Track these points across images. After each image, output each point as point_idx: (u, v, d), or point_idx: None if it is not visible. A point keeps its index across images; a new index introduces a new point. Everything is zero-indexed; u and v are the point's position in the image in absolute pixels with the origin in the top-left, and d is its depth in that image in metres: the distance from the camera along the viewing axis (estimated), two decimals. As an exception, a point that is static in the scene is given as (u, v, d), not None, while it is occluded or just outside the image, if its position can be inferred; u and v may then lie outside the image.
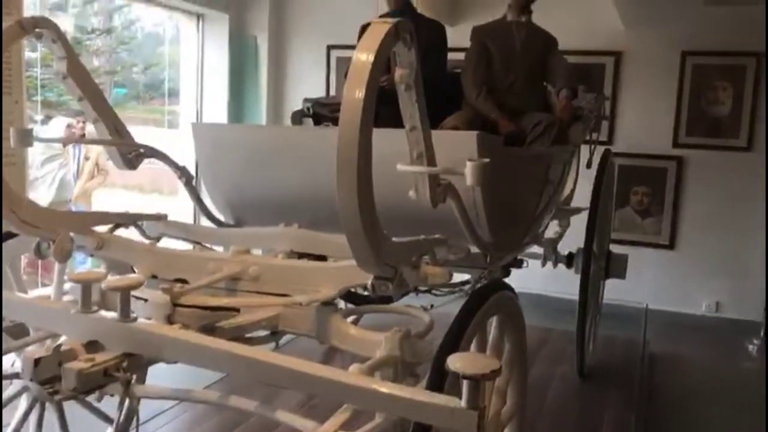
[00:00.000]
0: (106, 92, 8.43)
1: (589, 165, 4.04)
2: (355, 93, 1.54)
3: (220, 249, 2.73)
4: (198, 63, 6.93)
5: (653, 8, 5.12)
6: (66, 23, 8.51)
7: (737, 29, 5.72)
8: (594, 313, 4.31)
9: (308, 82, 6.84)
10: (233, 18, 6.85)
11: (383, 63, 1.62)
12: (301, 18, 7.03)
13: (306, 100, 4.08)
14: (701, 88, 5.94)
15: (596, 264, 4.16)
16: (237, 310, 1.90)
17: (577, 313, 3.75)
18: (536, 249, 4.21)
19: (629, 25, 5.92)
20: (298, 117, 4.02)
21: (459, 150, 2.41)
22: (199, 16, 6.86)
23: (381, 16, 4.11)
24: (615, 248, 6.04)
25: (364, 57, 1.58)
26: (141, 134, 2.62)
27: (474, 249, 2.54)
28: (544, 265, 4.32)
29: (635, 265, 6.11)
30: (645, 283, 6.15)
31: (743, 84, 5.84)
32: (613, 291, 5.58)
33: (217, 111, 6.83)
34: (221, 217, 2.98)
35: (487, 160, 1.86)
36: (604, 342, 5.04)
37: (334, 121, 3.83)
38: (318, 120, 4.00)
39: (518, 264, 3.51)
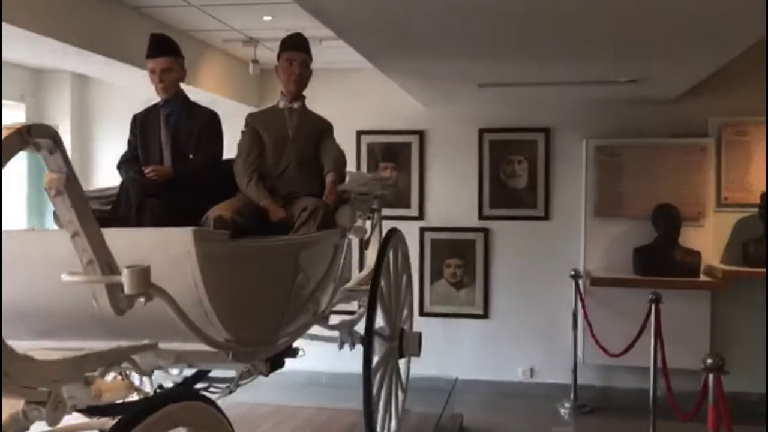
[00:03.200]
0: None
1: (366, 246, 4.06)
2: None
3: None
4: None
5: (441, 91, 5.36)
6: None
7: (526, 107, 6.12)
8: (391, 393, 4.25)
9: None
10: (31, 107, 6.53)
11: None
12: (102, 104, 6.81)
13: (72, 193, 3.84)
14: (499, 163, 6.25)
15: (388, 343, 4.13)
16: None
17: (363, 398, 3.67)
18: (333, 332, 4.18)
19: (428, 105, 6.18)
20: (63, 212, 3.77)
21: (176, 247, 2.30)
22: (-8, 105, 6.48)
23: (151, 106, 4.02)
24: (431, 322, 6.18)
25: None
26: None
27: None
28: (341, 347, 4.24)
29: (453, 338, 6.25)
30: (463, 354, 6.25)
31: (536, 157, 6.21)
32: (431, 365, 5.63)
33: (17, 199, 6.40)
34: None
35: (147, 265, 1.75)
36: (417, 419, 4.99)
37: (112, 216, 3.63)
38: (88, 214, 3.78)
39: (292, 353, 3.40)
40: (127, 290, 1.71)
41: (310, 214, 3.40)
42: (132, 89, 6.54)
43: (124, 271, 1.70)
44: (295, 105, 3.86)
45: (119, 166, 4.01)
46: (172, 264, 2.31)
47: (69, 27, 4.23)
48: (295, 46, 3.82)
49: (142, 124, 3.97)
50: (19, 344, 2.65)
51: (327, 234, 3.36)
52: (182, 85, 5.26)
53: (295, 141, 3.79)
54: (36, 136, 1.58)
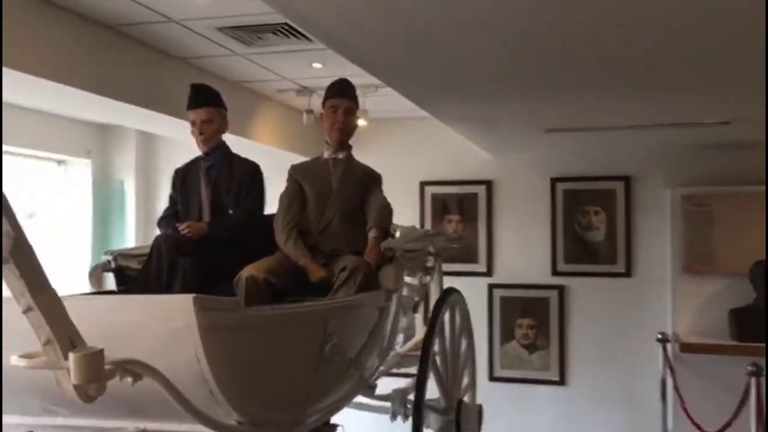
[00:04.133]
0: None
1: (415, 309, 3.68)
2: None
3: None
4: (61, 209, 6.54)
5: (505, 138, 4.99)
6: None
7: (602, 153, 5.66)
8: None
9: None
10: (97, 164, 6.55)
11: None
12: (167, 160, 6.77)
13: (108, 252, 3.67)
14: (574, 214, 5.78)
15: (444, 417, 3.70)
16: None
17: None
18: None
19: (495, 154, 5.81)
20: (97, 272, 3.58)
21: (175, 317, 2.01)
22: (60, 162, 6.55)
23: (193, 159, 3.83)
24: (502, 388, 5.68)
25: None
26: None
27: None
28: (393, 419, 3.84)
29: (526, 406, 5.72)
30: (538, 424, 5.70)
31: (614, 208, 5.70)
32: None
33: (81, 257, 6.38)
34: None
35: (101, 348, 1.45)
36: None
37: (142, 275, 3.42)
38: (123, 274, 3.58)
39: (328, 430, 3.04)
40: (74, 380, 1.41)
41: (350, 275, 3.07)
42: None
43: (70, 357, 1.40)
44: (340, 155, 3.58)
45: (159, 223, 3.82)
46: (172, 336, 2.02)
47: (125, 86, 4.15)
48: (339, 93, 3.56)
49: (183, 179, 3.78)
50: (25, 420, 2.43)
51: (365, 297, 3.00)
52: (238, 138, 5.18)
53: (339, 194, 3.50)
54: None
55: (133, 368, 1.79)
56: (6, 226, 1.42)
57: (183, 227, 3.44)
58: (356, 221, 3.46)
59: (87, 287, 3.78)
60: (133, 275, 3.54)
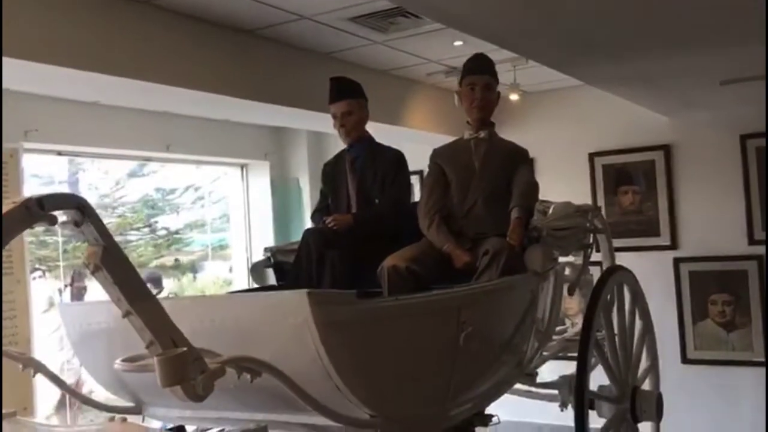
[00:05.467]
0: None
1: (571, 292, 3.41)
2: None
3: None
4: (245, 209, 7.00)
5: (674, 95, 4.50)
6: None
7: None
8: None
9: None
10: (274, 164, 6.92)
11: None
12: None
13: (267, 249, 3.82)
14: (771, 173, 5.09)
15: (617, 406, 3.42)
16: None
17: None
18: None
19: (671, 115, 5.28)
20: (260, 268, 3.75)
21: (293, 314, 2.02)
22: (242, 167, 7.00)
23: (339, 152, 3.87)
24: (697, 371, 5.19)
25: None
26: None
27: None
28: (562, 408, 3.62)
29: (726, 391, 5.17)
30: (741, 411, 5.12)
31: (820, 161, 4.95)
32: (700, 424, 4.70)
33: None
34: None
35: (184, 349, 1.46)
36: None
37: (294, 270, 3.53)
38: (281, 269, 3.72)
39: (481, 421, 2.92)
40: (161, 383, 1.44)
41: (492, 258, 2.93)
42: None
43: (155, 360, 1.43)
44: (482, 134, 3.43)
45: (312, 216, 3.93)
46: (291, 333, 2.03)
47: (288, 91, 4.37)
48: (475, 69, 3.41)
49: (332, 172, 3.84)
50: (170, 413, 2.59)
51: (504, 282, 2.84)
52: (393, 127, 5.19)
53: (482, 175, 3.35)
54: (51, 209, 1.38)
55: (248, 365, 1.82)
56: (96, 236, 1.48)
57: (329, 220, 3.49)
58: (502, 202, 3.29)
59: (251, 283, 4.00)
60: (290, 270, 3.65)
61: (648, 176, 5.48)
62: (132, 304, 1.52)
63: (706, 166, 5.30)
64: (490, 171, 3.35)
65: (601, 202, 5.50)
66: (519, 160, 3.40)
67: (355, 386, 2.10)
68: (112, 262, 1.49)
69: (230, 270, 7.30)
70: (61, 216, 1.42)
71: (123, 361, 1.56)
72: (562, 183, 5.30)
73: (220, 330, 2.10)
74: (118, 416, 2.37)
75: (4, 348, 2.38)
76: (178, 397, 1.60)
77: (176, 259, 7.83)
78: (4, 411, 2.27)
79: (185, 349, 1.48)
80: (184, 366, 1.45)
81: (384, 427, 2.23)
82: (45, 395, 5.00)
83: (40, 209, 1.37)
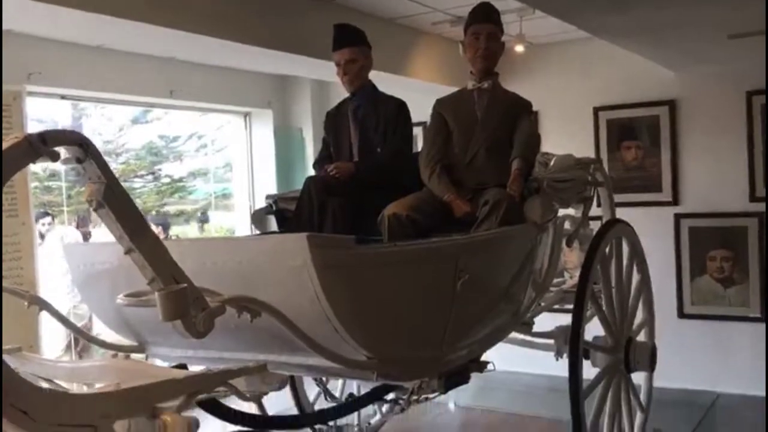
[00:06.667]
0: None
1: (569, 243, 3.44)
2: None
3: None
4: (248, 158, 7.00)
5: (681, 49, 4.45)
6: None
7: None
8: (621, 413, 3.58)
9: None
10: (277, 113, 6.89)
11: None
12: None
13: (269, 196, 3.85)
14: (775, 131, 5.07)
15: (611, 356, 3.49)
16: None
17: (572, 424, 3.11)
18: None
19: (677, 69, 5.23)
20: (261, 216, 3.78)
21: (292, 256, 2.05)
22: (246, 115, 6.97)
23: (342, 101, 3.85)
24: (693, 325, 5.26)
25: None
26: None
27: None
28: (558, 358, 3.69)
29: (720, 345, 5.25)
30: (733, 365, 5.20)
31: (826, 120, 4.92)
32: (690, 376, 4.78)
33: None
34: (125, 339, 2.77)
35: (184, 285, 1.49)
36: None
37: (295, 217, 3.56)
38: (283, 217, 3.74)
39: (477, 368, 2.98)
40: (162, 317, 1.47)
41: (492, 209, 2.95)
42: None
43: (156, 295, 1.47)
44: (485, 84, 3.42)
45: (314, 165, 3.93)
46: (290, 275, 2.07)
47: (293, 38, 4.34)
48: (480, 18, 3.38)
49: (334, 120, 3.84)
50: (174, 353, 2.65)
51: (501, 232, 2.86)
52: (397, 77, 5.15)
53: (484, 125, 3.35)
54: (53, 145, 1.40)
55: (248, 305, 1.86)
56: (98, 174, 1.50)
57: (331, 168, 3.51)
58: (504, 153, 3.30)
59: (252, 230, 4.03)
60: (292, 217, 3.68)
61: (652, 132, 5.46)
62: (134, 240, 1.55)
63: (711, 122, 5.28)
64: (492, 121, 3.35)
65: (604, 157, 5.49)
66: (522, 112, 3.40)
67: (353, 328, 2.15)
68: (113, 199, 1.52)
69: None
70: (63, 153, 1.44)
71: (126, 296, 1.60)
72: (566, 137, 5.29)
73: (222, 272, 2.14)
74: (121, 354, 2.43)
75: (9, 286, 2.43)
76: (179, 333, 1.64)
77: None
78: (8, 346, 2.32)
79: (185, 285, 1.51)
80: (184, 301, 1.49)
81: (380, 369, 2.29)
82: (51, 339, 5.09)
83: (42, 144, 1.38)
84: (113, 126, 8.04)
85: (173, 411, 1.63)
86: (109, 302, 2.59)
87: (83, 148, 1.46)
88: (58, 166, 6.63)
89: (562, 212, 3.50)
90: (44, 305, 2.48)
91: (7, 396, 1.31)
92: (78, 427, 1.46)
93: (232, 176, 7.27)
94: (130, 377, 2.13)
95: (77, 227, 6.96)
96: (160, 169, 8.82)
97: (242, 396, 1.85)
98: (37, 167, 6.07)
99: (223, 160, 7.76)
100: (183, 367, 2.64)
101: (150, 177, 8.58)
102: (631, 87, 5.45)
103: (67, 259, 2.64)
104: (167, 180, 8.76)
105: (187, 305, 1.49)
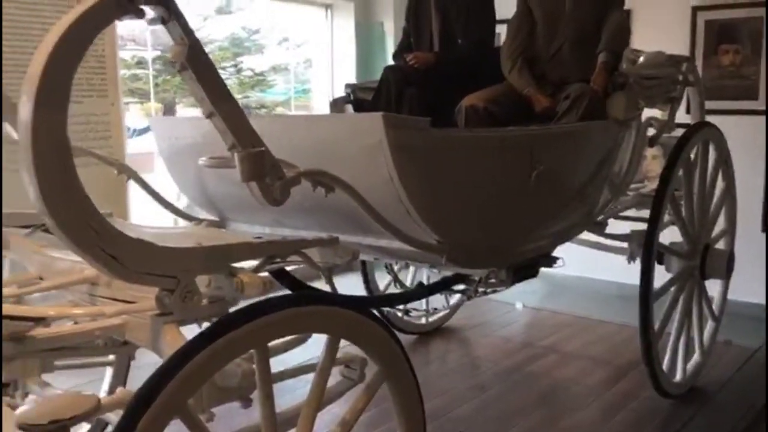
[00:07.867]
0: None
1: (651, 143, 3.31)
2: (35, 66, 1.29)
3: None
4: (330, 52, 6.98)
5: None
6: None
7: None
8: (691, 321, 3.55)
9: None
10: (359, 7, 6.79)
11: (86, 36, 1.35)
12: None
13: (347, 85, 3.85)
14: None
15: (686, 262, 3.42)
16: (40, 319, 1.77)
17: (639, 326, 3.10)
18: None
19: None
20: (339, 104, 3.80)
21: (366, 135, 2.07)
22: (327, 7, 6.90)
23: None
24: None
25: (60, 26, 1.33)
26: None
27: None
28: (630, 261, 3.65)
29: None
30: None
31: None
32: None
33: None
34: (204, 213, 2.90)
35: (262, 149, 1.53)
36: (737, 353, 4.15)
37: (372, 107, 3.57)
38: (360, 106, 3.76)
39: (547, 262, 2.98)
40: (241, 177, 1.53)
41: (573, 103, 2.88)
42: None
43: (235, 156, 1.52)
44: (577, -28, 3.25)
45: (394, 57, 3.90)
46: (365, 154, 2.10)
47: None
48: None
49: (416, 10, 3.77)
50: (253, 229, 2.76)
51: (579, 127, 2.79)
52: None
53: (571, 17, 3.23)
54: (140, 3, 1.43)
55: (323, 179, 1.90)
56: (181, 35, 1.54)
57: (410, 58, 3.47)
58: (590, 48, 3.18)
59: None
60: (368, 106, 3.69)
61: (754, 35, 5.10)
62: (215, 104, 1.59)
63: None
64: (580, 13, 3.22)
65: (698, 63, 5.19)
66: (612, 4, 3.24)
67: (425, 211, 2.18)
68: (196, 61, 1.55)
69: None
70: (149, 12, 1.47)
71: (208, 158, 1.66)
72: (659, 37, 5.00)
73: (298, 148, 2.18)
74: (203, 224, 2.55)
75: (100, 154, 2.56)
76: (255, 198, 1.70)
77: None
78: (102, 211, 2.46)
79: (264, 148, 1.56)
80: (261, 163, 1.54)
81: (450, 254, 2.33)
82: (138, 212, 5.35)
83: (129, 2, 1.41)
84: (197, 17, 8.08)
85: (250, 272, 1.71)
86: (194, 176, 2.71)
87: (167, 9, 1.49)
88: (146, 54, 6.73)
89: (647, 114, 3.38)
90: (132, 174, 2.60)
91: (99, 240, 1.40)
92: (163, 277, 1.56)
93: (311, 73, 7.29)
94: (210, 241, 2.25)
95: (164, 114, 7.19)
96: (242, 62, 8.89)
97: (314, 265, 1.92)
98: (126, 54, 6.23)
99: (303, 56, 7.75)
100: (259, 240, 2.75)
101: (233, 69, 8.68)
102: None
103: (154, 132, 2.75)
104: (249, 73, 8.84)
105: (263, 168, 1.54)
